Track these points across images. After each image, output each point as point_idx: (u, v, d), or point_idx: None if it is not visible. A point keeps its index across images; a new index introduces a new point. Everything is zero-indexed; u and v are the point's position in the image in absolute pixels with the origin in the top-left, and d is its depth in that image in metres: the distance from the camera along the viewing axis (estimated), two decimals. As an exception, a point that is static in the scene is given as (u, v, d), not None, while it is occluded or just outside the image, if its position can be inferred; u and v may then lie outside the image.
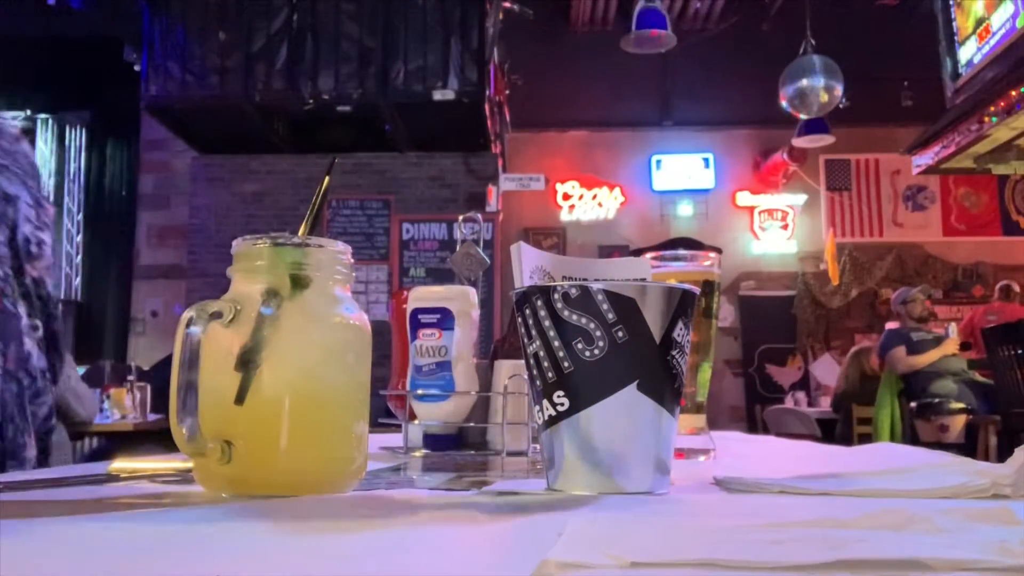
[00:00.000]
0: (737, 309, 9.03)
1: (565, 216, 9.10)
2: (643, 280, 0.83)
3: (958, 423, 5.36)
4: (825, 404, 7.21)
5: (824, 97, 6.50)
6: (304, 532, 0.50)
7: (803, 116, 6.85)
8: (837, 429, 6.51)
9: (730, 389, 8.89)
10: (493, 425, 1.10)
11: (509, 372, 1.05)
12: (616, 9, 7.80)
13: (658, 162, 9.19)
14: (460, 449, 1.10)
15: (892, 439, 5.41)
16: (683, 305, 0.65)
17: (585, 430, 0.63)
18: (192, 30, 6.85)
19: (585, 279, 0.74)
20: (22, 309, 1.11)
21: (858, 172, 9.19)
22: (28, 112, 8.25)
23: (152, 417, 4.47)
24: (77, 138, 8.39)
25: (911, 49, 6.88)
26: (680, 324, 0.65)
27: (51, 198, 8.17)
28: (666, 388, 0.65)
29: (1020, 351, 4.40)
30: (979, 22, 5.50)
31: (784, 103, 6.66)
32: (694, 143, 9.18)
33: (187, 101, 6.86)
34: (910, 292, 5.94)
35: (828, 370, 7.69)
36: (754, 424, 8.13)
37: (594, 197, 9.11)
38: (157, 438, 4.20)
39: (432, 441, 1.09)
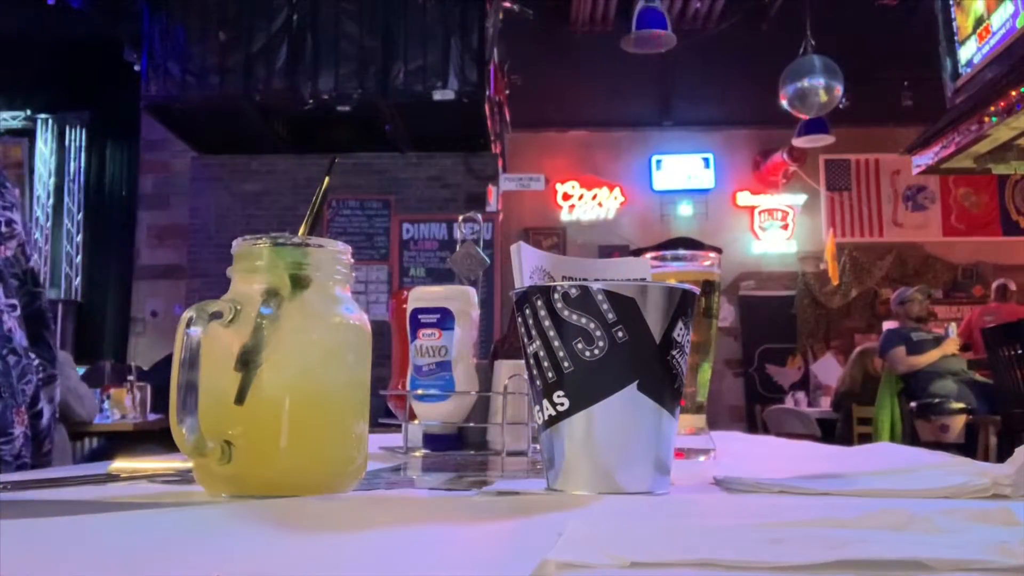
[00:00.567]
0: (737, 309, 9.03)
1: (565, 216, 9.10)
2: (643, 280, 0.83)
3: (958, 423, 5.36)
4: (825, 404, 7.21)
5: (824, 97, 6.50)
6: (304, 532, 0.50)
7: (803, 116, 6.85)
8: (837, 429, 6.52)
9: (730, 389, 8.89)
10: (493, 425, 1.10)
11: (509, 372, 1.05)
12: (616, 9, 7.79)
13: (658, 162, 9.19)
14: (460, 449, 1.09)
15: (892, 439, 5.41)
16: (683, 305, 0.65)
17: (585, 430, 0.63)
18: (192, 30, 6.85)
19: (585, 279, 0.74)
20: None
21: (858, 172, 9.19)
22: (28, 112, 8.25)
23: (152, 417, 4.48)
24: (77, 138, 8.39)
25: (911, 49, 6.88)
26: (680, 324, 0.65)
27: (51, 198, 8.19)
28: (666, 388, 0.65)
29: (1020, 351, 4.40)
30: (979, 22, 5.50)
31: (784, 103, 6.66)
32: (694, 143, 9.18)
33: (187, 101, 6.86)
34: (908, 292, 5.95)
35: (830, 370, 7.69)
36: (754, 424, 8.13)
37: (594, 197, 9.11)
38: (157, 438, 4.20)
39: (432, 441, 1.09)
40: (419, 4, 6.81)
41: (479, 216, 1.42)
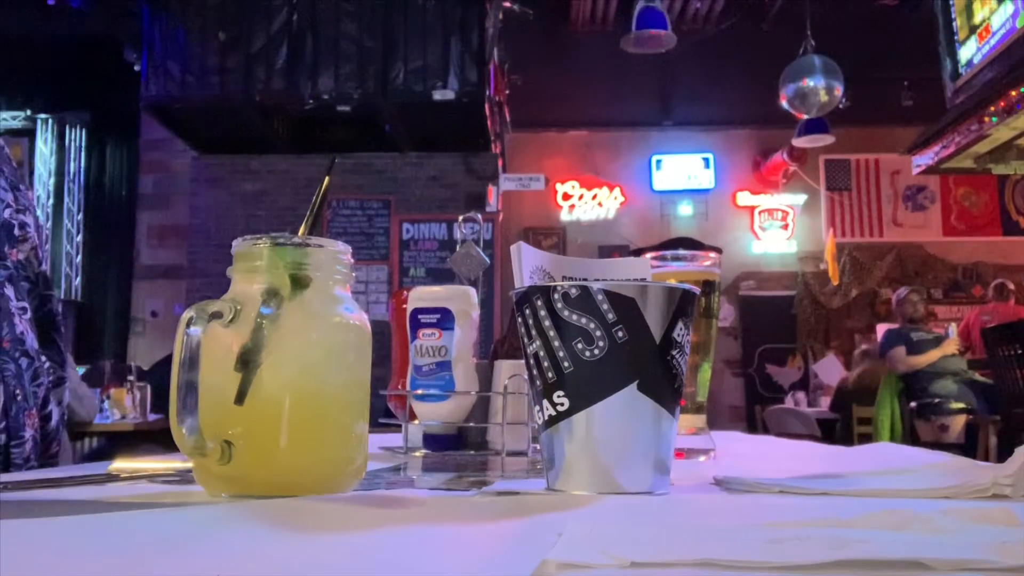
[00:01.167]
0: (737, 309, 9.03)
1: (565, 216, 9.10)
2: (643, 280, 0.83)
3: (958, 423, 5.36)
4: (825, 404, 7.21)
5: (824, 97, 6.50)
6: (304, 532, 0.50)
7: (803, 116, 6.85)
8: (837, 429, 6.52)
9: (730, 389, 8.89)
10: (493, 425, 1.10)
11: (509, 372, 1.05)
12: (616, 9, 7.79)
13: (658, 162, 9.19)
14: (460, 449, 1.09)
15: (892, 439, 5.41)
16: (683, 305, 0.65)
17: (585, 430, 0.63)
18: (192, 30, 6.85)
19: (585, 279, 0.74)
20: (8, 292, 1.11)
21: (858, 172, 9.19)
22: (28, 112, 8.25)
23: (152, 417, 4.48)
24: (77, 138, 8.39)
25: (911, 49, 6.88)
26: (680, 324, 0.65)
27: (51, 198, 8.18)
28: (666, 388, 0.65)
29: (1020, 351, 4.40)
30: (979, 22, 5.50)
31: (784, 103, 6.66)
32: (694, 143, 9.18)
33: (187, 101, 6.87)
34: (903, 293, 5.98)
35: (832, 370, 7.68)
36: (754, 424, 8.13)
37: (594, 197, 9.11)
38: (157, 438, 4.20)
39: (432, 441, 1.09)
40: (419, 4, 6.82)
41: (479, 216, 1.42)
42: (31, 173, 8.18)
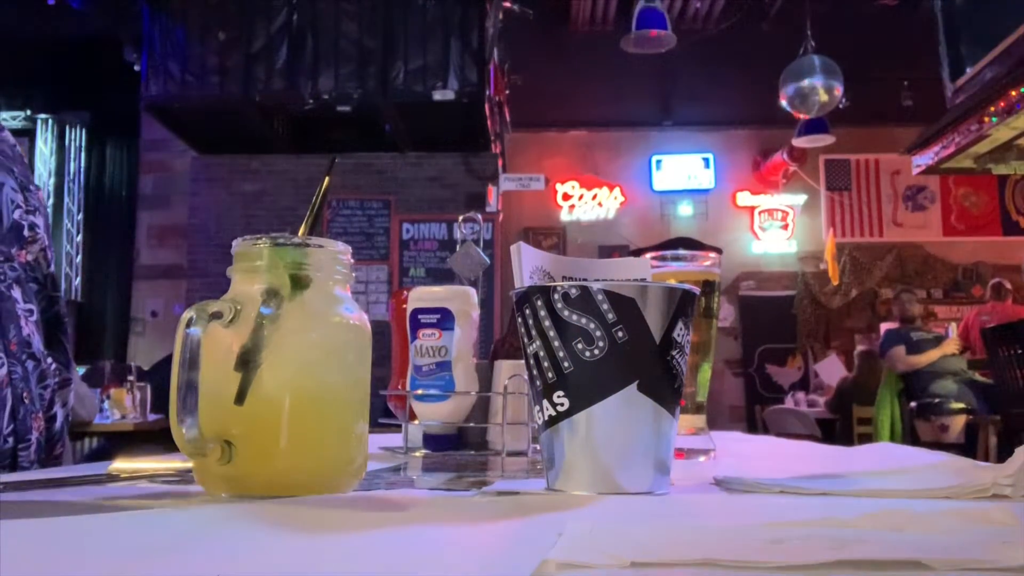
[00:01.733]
0: (737, 309, 9.03)
1: (565, 216, 9.10)
2: (643, 280, 0.83)
3: (958, 423, 5.36)
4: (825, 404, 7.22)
5: (824, 97, 6.50)
6: (304, 532, 0.50)
7: (803, 116, 6.85)
8: (837, 429, 6.52)
9: (730, 389, 8.89)
10: (493, 425, 1.10)
11: (509, 372, 1.05)
12: (616, 9, 7.78)
13: (658, 162, 9.19)
14: (460, 449, 1.09)
15: (892, 439, 5.42)
16: (683, 305, 0.65)
17: (585, 430, 0.63)
18: (192, 30, 6.85)
19: (585, 279, 0.74)
20: (16, 293, 1.11)
21: (858, 172, 9.19)
22: (28, 112, 8.25)
23: (152, 417, 4.48)
24: (77, 138, 8.38)
25: (911, 49, 6.87)
26: (680, 324, 0.65)
27: (51, 198, 8.18)
28: (666, 388, 0.65)
29: (1020, 351, 4.40)
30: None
31: (784, 103, 6.66)
32: (694, 143, 9.18)
33: (187, 101, 6.86)
34: (898, 294, 6.02)
35: (833, 370, 7.69)
36: (754, 424, 8.13)
37: (594, 197, 9.11)
38: (157, 438, 4.20)
39: (432, 441, 1.09)
40: (419, 4, 6.81)
41: (479, 216, 1.42)
42: (31, 173, 8.18)
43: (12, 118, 8.21)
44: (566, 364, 0.64)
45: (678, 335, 0.65)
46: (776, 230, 9.17)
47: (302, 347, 0.65)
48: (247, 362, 0.62)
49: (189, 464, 0.65)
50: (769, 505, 0.60)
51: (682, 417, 0.72)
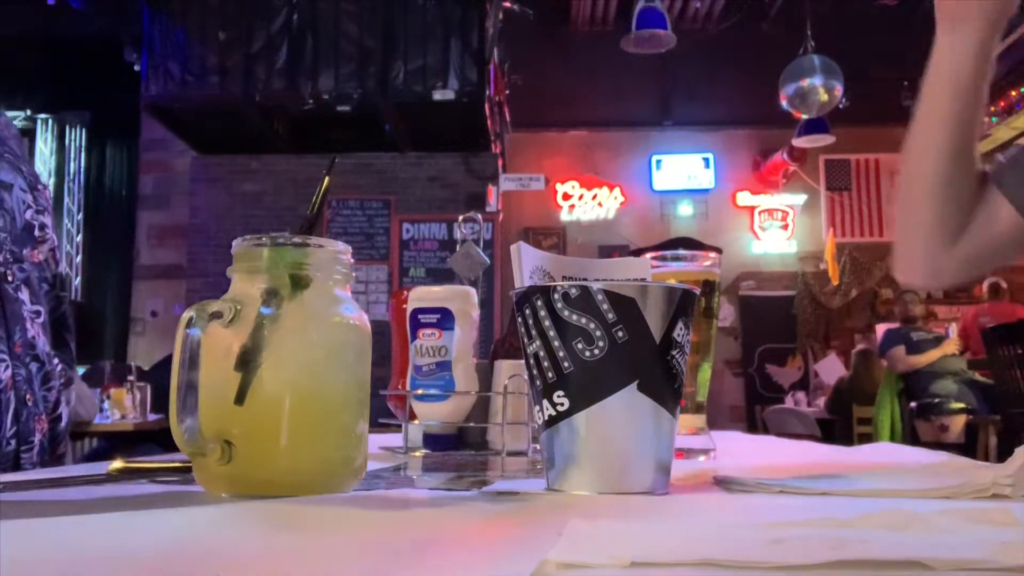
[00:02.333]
0: (737, 309, 9.03)
1: (565, 216, 9.10)
2: (643, 280, 0.83)
3: (958, 423, 5.36)
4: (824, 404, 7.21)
5: (824, 97, 6.50)
6: (304, 532, 0.50)
7: (803, 116, 6.85)
8: (837, 429, 6.52)
9: (730, 389, 8.89)
10: (493, 425, 1.10)
11: (509, 372, 1.05)
12: (616, 9, 7.79)
13: (658, 162, 9.18)
14: (460, 449, 1.09)
15: (892, 439, 5.42)
16: (683, 305, 0.65)
17: (585, 430, 0.63)
18: (192, 30, 6.85)
19: (585, 279, 0.74)
20: (23, 295, 1.11)
21: (858, 172, 9.19)
22: (28, 112, 8.25)
23: (152, 417, 4.48)
24: (77, 138, 8.38)
25: (911, 49, 6.86)
26: (680, 324, 0.65)
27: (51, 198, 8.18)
28: (666, 388, 0.65)
29: (1020, 351, 4.40)
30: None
31: (784, 103, 6.66)
32: (694, 143, 9.18)
33: (187, 101, 6.86)
34: (899, 292, 6.03)
35: (834, 370, 7.69)
36: (754, 424, 8.13)
37: (594, 197, 9.11)
38: (157, 438, 4.20)
39: (432, 441, 1.08)
40: (419, 4, 6.81)
41: (479, 216, 1.42)
42: (34, 172, 8.18)
43: (12, 118, 8.18)
44: (566, 364, 0.64)
45: (678, 335, 0.65)
46: (776, 230, 9.17)
47: (302, 347, 0.65)
48: (247, 362, 0.62)
49: (189, 464, 0.65)
50: (769, 505, 0.60)
51: (682, 417, 0.72)
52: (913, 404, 5.58)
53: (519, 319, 0.68)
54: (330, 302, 0.67)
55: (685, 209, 9.16)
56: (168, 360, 3.43)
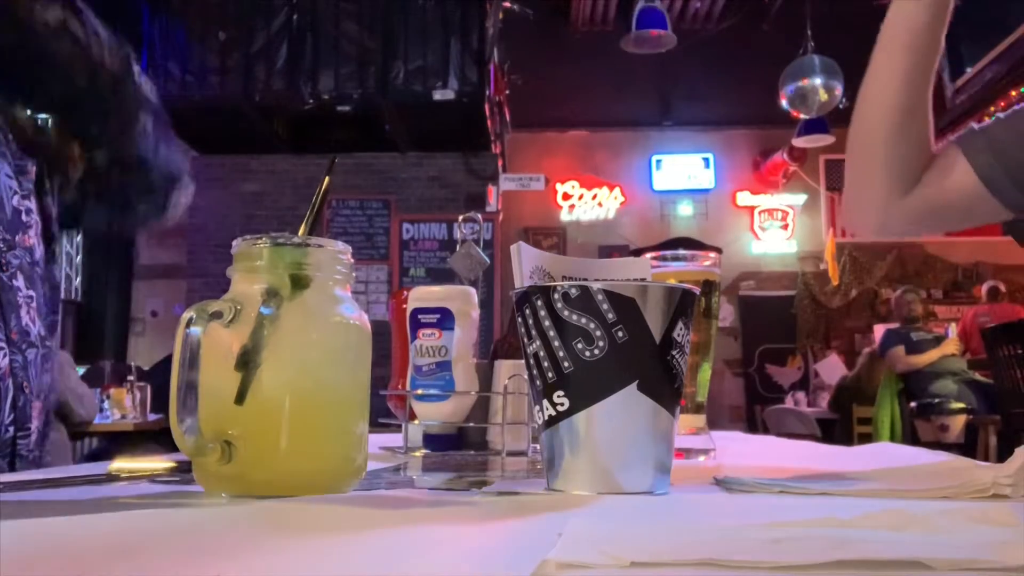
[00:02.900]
0: (737, 309, 9.03)
1: (565, 216, 9.11)
2: (643, 280, 0.83)
3: (958, 423, 5.36)
4: (825, 404, 7.21)
5: (824, 97, 6.50)
6: (304, 532, 0.50)
7: (803, 116, 6.85)
8: (837, 429, 6.52)
9: (730, 389, 8.90)
10: (493, 425, 1.10)
11: (509, 372, 1.05)
12: (616, 9, 7.78)
13: (658, 162, 9.19)
14: (460, 449, 1.09)
15: (892, 439, 5.42)
16: (683, 305, 0.65)
17: (585, 430, 0.63)
18: (192, 30, 6.85)
19: (585, 279, 0.74)
20: (19, 281, 1.11)
21: (858, 172, 9.18)
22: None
23: (152, 417, 4.48)
24: (77, 138, 8.37)
25: (911, 49, 6.86)
26: (680, 324, 0.65)
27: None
28: (666, 388, 0.65)
29: (1020, 351, 4.40)
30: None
31: (784, 103, 6.66)
32: (694, 143, 9.18)
33: (187, 101, 6.85)
34: (899, 294, 6.02)
35: (834, 370, 7.69)
36: (754, 424, 8.13)
37: (594, 197, 9.11)
38: (157, 438, 4.20)
39: (432, 441, 1.09)
40: (419, 4, 6.82)
41: (479, 216, 1.42)
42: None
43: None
44: (566, 364, 0.64)
45: (678, 335, 0.65)
46: (776, 230, 9.17)
47: (302, 347, 0.65)
48: (247, 362, 0.62)
49: (189, 464, 0.65)
50: (769, 505, 0.60)
51: (682, 417, 0.72)
52: (913, 404, 5.58)
53: (519, 319, 0.68)
54: (330, 302, 0.67)
55: (685, 209, 9.17)
56: (168, 360, 3.44)
